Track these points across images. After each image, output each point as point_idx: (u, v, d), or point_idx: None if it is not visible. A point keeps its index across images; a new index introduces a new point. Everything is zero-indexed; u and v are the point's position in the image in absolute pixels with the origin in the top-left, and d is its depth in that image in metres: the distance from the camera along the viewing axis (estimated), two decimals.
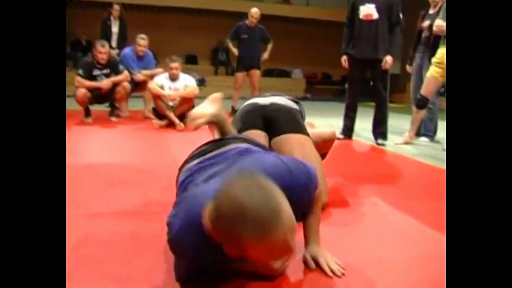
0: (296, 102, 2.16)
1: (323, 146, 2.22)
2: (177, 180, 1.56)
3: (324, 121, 5.37)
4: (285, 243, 0.92)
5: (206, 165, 1.40)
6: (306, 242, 1.38)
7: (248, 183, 0.96)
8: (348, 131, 4.03)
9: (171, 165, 2.59)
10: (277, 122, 1.97)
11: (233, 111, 5.44)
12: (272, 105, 2.04)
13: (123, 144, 3.27)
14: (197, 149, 1.63)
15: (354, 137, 4.05)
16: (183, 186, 1.39)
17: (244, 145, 1.51)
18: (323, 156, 2.23)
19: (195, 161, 1.48)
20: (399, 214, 1.94)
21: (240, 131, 1.96)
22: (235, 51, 5.33)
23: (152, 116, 4.42)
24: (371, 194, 2.25)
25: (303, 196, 1.25)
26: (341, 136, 3.97)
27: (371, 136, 3.96)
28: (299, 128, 2.00)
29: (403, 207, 2.02)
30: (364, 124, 4.33)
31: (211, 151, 1.51)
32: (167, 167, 2.57)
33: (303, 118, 2.14)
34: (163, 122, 4.15)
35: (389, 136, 3.93)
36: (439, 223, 1.83)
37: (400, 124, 4.99)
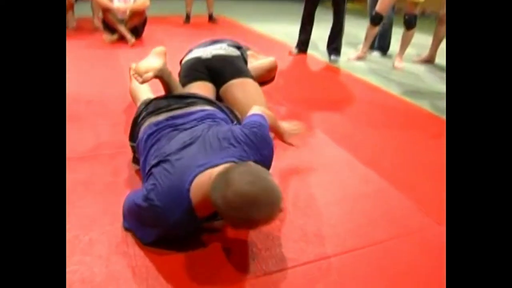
0: (238, 47, 2.27)
1: (267, 75, 2.41)
2: (134, 127, 1.65)
3: (280, 29, 5.30)
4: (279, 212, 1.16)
5: (177, 125, 1.49)
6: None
7: (243, 170, 1.13)
8: (302, 45, 4.02)
9: (122, 92, 2.60)
10: (221, 72, 2.12)
11: (187, 18, 5.24)
12: (215, 57, 2.15)
13: (72, 66, 3.16)
14: (157, 98, 1.69)
15: (310, 49, 4.06)
16: (149, 141, 1.47)
17: (208, 108, 1.61)
18: (270, 80, 2.44)
19: (161, 117, 1.55)
20: (334, 148, 2.11)
21: (185, 84, 2.10)
22: None
23: (101, 27, 4.21)
24: (314, 125, 2.38)
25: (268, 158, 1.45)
26: (295, 51, 3.99)
27: (325, 49, 3.97)
28: (241, 73, 2.16)
29: (341, 139, 2.19)
30: (321, 32, 4.31)
31: (177, 108, 1.58)
32: (118, 96, 2.58)
33: (245, 60, 2.27)
34: (114, 37, 3.98)
35: (344, 48, 3.95)
36: (371, 158, 2.01)
37: (356, 32, 4.98)
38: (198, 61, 2.15)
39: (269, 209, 1.12)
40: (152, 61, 1.67)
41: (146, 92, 1.98)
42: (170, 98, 1.68)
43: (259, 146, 1.38)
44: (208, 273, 1.26)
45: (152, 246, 1.33)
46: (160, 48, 1.78)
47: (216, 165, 1.24)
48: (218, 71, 2.12)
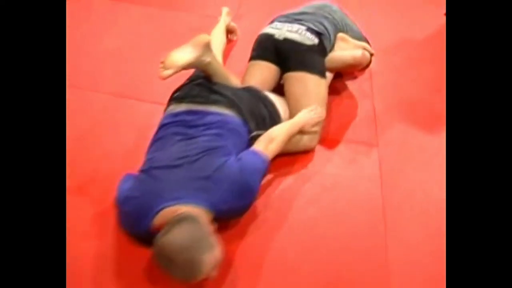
0: (320, 34, 1.99)
1: (348, 70, 2.24)
2: (170, 97, 1.75)
3: None
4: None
5: (187, 125, 1.57)
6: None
7: (186, 231, 1.22)
8: None
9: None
10: (287, 59, 1.97)
11: None
12: (287, 41, 1.98)
13: None
14: (193, 81, 1.74)
15: None
16: (159, 132, 1.61)
17: (226, 112, 1.61)
18: (361, 70, 2.26)
19: (182, 107, 1.65)
20: (375, 188, 1.88)
21: (252, 58, 2.08)
22: None
23: None
24: (382, 143, 2.10)
25: (238, 211, 1.49)
26: None
27: None
28: (307, 66, 1.96)
29: (394, 178, 1.93)
30: None
31: (199, 102, 1.64)
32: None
33: (324, 49, 2.01)
34: None
35: None
36: (398, 213, 1.74)
37: None
38: (270, 39, 2.03)
39: (181, 276, 1.21)
40: (181, 55, 1.61)
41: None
42: (202, 87, 1.71)
43: (240, 195, 1.42)
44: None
45: None
46: (201, 38, 1.67)
47: (186, 203, 1.34)
48: (285, 56, 1.98)
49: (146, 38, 2.55)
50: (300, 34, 1.96)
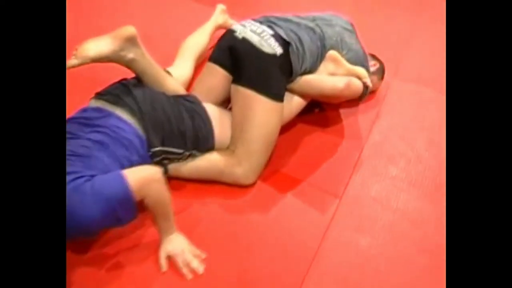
0: (288, 44, 1.62)
1: (323, 100, 1.86)
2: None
3: None
4: None
5: (85, 123, 1.39)
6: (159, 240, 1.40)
7: None
8: None
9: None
10: (241, 67, 1.62)
11: None
12: (243, 42, 1.62)
13: None
14: (122, 81, 1.55)
15: None
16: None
17: (126, 119, 1.42)
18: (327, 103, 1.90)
19: (93, 103, 1.48)
20: None
21: (208, 59, 1.78)
22: None
23: None
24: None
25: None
26: None
27: None
28: (262, 84, 1.59)
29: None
30: None
31: (110, 102, 1.45)
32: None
33: (290, 63, 1.62)
34: None
35: None
36: None
37: None
38: (230, 36, 1.69)
39: None
40: (94, 46, 1.39)
41: (187, 57, 1.90)
42: (125, 87, 1.51)
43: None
44: None
45: None
46: (124, 31, 1.42)
47: None
48: (239, 62, 1.62)
49: (151, 26, 2.33)
50: (261, 37, 1.60)
